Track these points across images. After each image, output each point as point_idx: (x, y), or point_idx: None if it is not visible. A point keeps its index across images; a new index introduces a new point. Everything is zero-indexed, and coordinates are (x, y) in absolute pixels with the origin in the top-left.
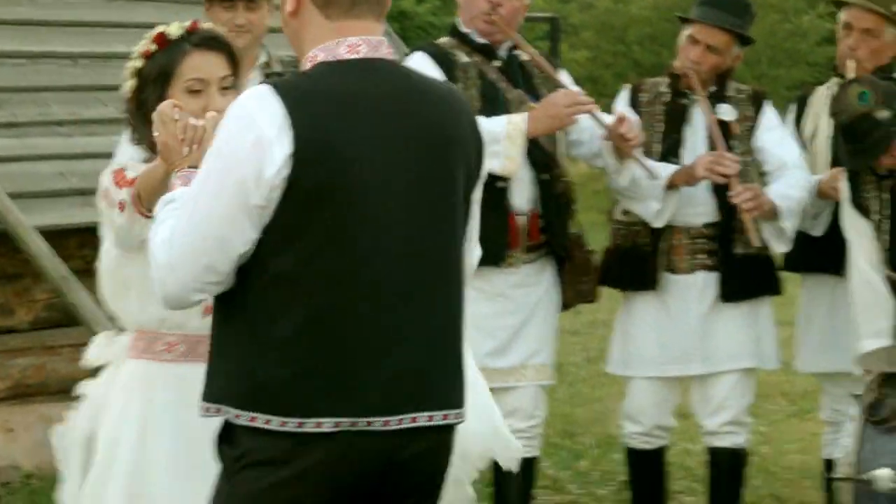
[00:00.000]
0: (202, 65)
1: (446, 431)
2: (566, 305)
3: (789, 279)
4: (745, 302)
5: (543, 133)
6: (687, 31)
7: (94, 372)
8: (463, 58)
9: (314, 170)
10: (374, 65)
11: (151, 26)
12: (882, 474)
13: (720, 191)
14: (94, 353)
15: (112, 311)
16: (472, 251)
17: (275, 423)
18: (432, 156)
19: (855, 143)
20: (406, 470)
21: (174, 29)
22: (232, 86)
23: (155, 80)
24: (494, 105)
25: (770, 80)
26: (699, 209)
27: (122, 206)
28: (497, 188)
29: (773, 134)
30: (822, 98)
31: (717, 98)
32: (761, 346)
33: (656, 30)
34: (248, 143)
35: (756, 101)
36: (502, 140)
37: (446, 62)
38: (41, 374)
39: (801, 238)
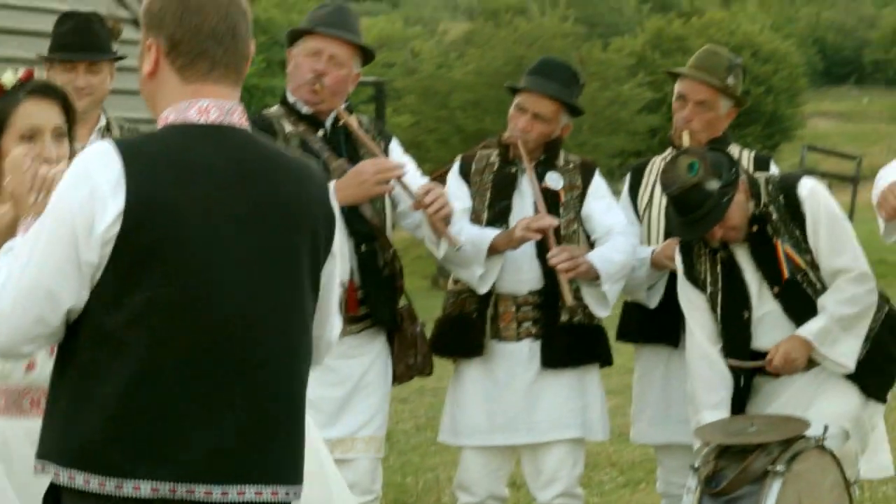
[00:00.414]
0: (35, 112)
1: None
2: (398, 378)
3: (621, 349)
4: (570, 371)
5: (350, 202)
6: (516, 100)
7: None
8: (288, 127)
9: (145, 229)
10: (222, 131)
11: None
12: None
13: (545, 258)
14: None
15: None
16: (331, 325)
17: (94, 483)
18: (273, 226)
19: (686, 214)
20: None
21: (7, 78)
22: (64, 135)
23: None
24: None
25: (591, 147)
26: (524, 276)
27: None
28: None
29: (601, 202)
30: (656, 169)
31: (545, 166)
32: (588, 416)
33: (479, 96)
34: (83, 196)
35: (585, 171)
36: None
37: (269, 132)
38: None
39: (636, 308)
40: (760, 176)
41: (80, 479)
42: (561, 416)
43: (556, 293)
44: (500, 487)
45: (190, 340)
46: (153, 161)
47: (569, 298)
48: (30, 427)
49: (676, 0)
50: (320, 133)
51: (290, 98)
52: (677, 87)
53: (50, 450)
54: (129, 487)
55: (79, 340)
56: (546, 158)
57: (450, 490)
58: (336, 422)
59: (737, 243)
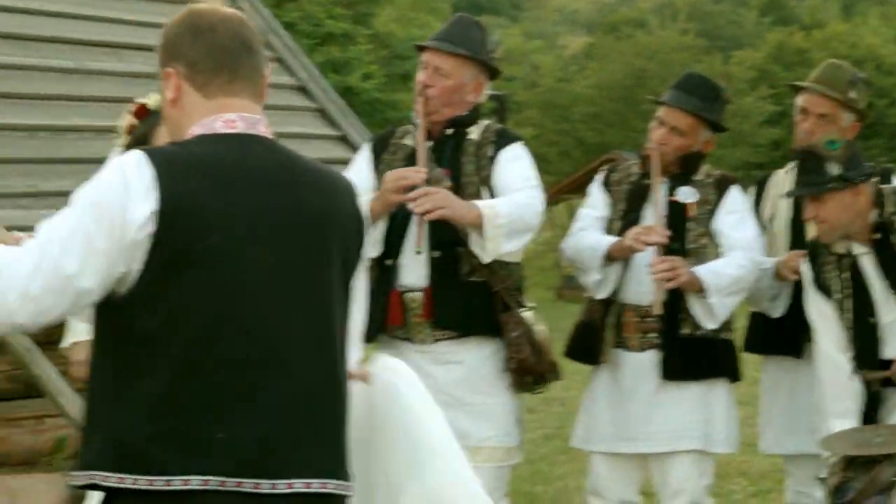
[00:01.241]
0: None
1: (323, 501)
2: (519, 386)
3: (751, 359)
4: (694, 383)
5: (382, 211)
6: (657, 114)
7: (57, 444)
8: (406, 140)
9: (177, 230)
10: (249, 140)
11: (108, 100)
12: None
13: None
14: None
15: None
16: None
17: (142, 482)
18: (305, 231)
19: (799, 173)
20: None
21: (153, 101)
22: None
23: (136, 146)
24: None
25: (714, 160)
26: (648, 287)
27: None
28: (384, 265)
29: (731, 217)
30: (780, 181)
31: (680, 180)
32: (709, 429)
33: (600, 108)
34: (117, 190)
35: (721, 186)
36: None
37: (383, 144)
38: (4, 446)
39: (761, 319)
40: (889, 188)
41: (128, 481)
42: (681, 427)
43: (678, 306)
44: (632, 494)
45: (228, 339)
46: (185, 167)
47: (657, 308)
48: None
49: (797, 13)
50: (429, 144)
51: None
52: (799, 100)
53: (94, 459)
54: (177, 483)
55: (115, 345)
56: (681, 172)
57: (580, 499)
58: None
59: (863, 250)
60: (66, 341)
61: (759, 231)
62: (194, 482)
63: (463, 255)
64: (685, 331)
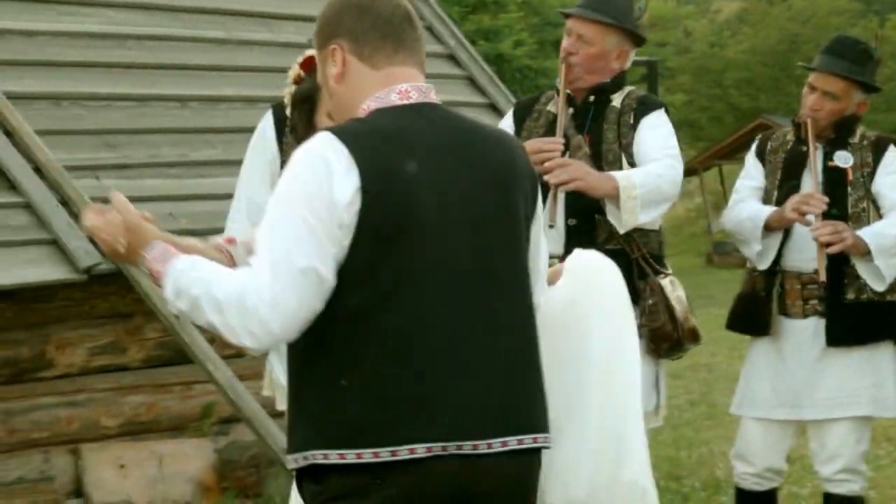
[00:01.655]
0: None
1: (534, 455)
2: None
3: None
4: (859, 348)
5: None
6: (808, 80)
7: (204, 411)
8: (549, 106)
9: (383, 204)
10: (427, 108)
11: (259, 70)
12: None
13: None
14: None
15: None
16: (540, 287)
17: (367, 455)
18: (494, 193)
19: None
20: (494, 495)
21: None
22: None
23: (302, 103)
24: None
25: (867, 124)
26: (810, 254)
27: None
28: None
29: (890, 178)
30: None
31: (835, 145)
32: (880, 393)
33: (753, 74)
34: (320, 174)
35: (878, 147)
36: None
37: (525, 111)
38: (153, 412)
39: None
40: None
41: (351, 456)
42: (847, 393)
43: (841, 271)
44: (780, 461)
45: (438, 308)
46: (374, 140)
47: (823, 274)
48: None
49: None
50: (570, 110)
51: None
52: None
53: (311, 439)
54: (404, 452)
55: (326, 324)
56: (837, 136)
57: (724, 464)
58: None
59: None
60: None
61: None
62: (419, 450)
63: (600, 223)
64: (850, 296)
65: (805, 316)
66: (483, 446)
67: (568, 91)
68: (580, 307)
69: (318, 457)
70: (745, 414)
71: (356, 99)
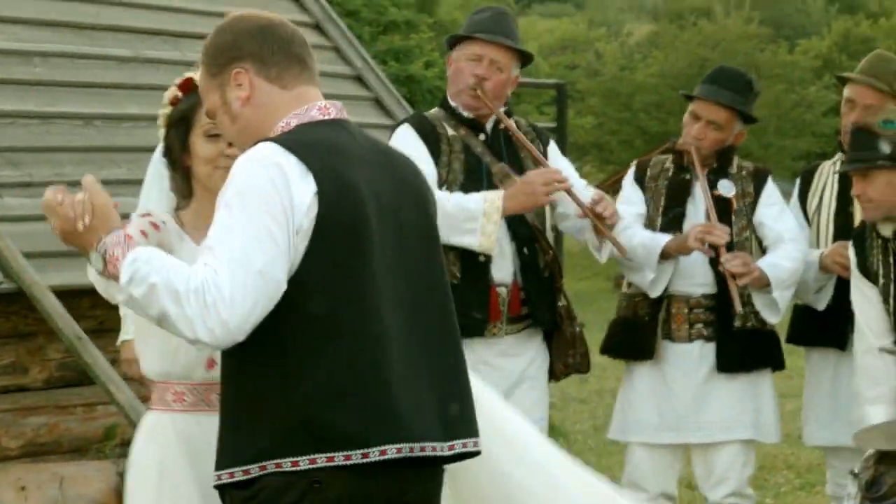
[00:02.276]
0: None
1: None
2: (555, 376)
3: (793, 351)
4: (744, 373)
5: (519, 211)
6: (690, 108)
7: (107, 432)
8: (450, 131)
9: (339, 208)
10: (344, 124)
11: (165, 88)
12: None
13: (717, 263)
14: None
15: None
16: None
17: (339, 458)
18: (416, 207)
19: (849, 149)
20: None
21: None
22: None
23: (177, 125)
24: (478, 178)
25: (776, 149)
26: (697, 280)
27: None
28: (478, 262)
29: (772, 209)
30: (826, 173)
31: (718, 174)
32: (760, 419)
33: (663, 97)
34: (276, 177)
35: (758, 178)
36: (479, 217)
37: (433, 135)
38: (55, 433)
39: (805, 312)
40: None
41: (321, 460)
42: (732, 417)
43: (729, 298)
44: (671, 485)
45: (394, 311)
46: (318, 149)
47: (738, 305)
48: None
49: (864, 1)
50: (482, 137)
51: (452, 102)
52: (847, 91)
53: (275, 445)
54: (375, 454)
55: (283, 328)
56: (719, 166)
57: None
58: None
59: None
60: (119, 339)
61: (799, 221)
62: (390, 451)
63: (539, 250)
64: (737, 323)
65: (690, 340)
66: (441, 448)
67: (472, 117)
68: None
69: (285, 464)
70: (631, 439)
71: (267, 119)
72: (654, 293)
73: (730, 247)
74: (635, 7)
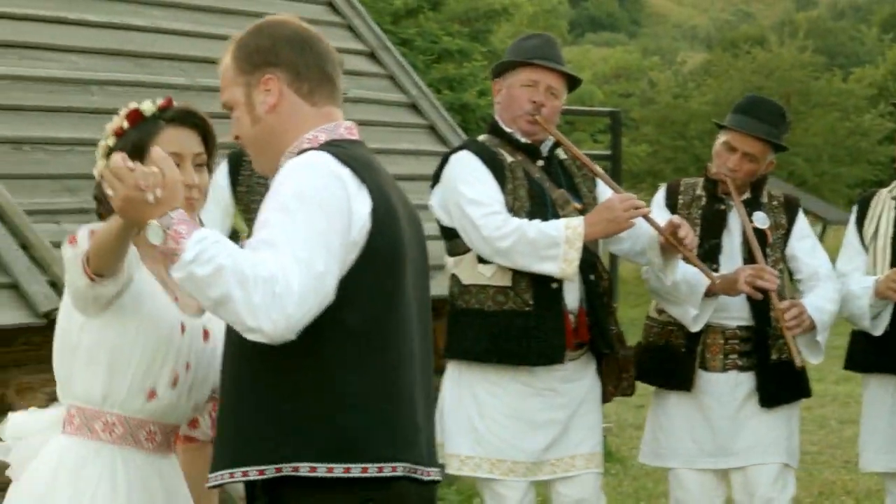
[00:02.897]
0: (176, 139)
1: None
2: (605, 399)
3: (852, 378)
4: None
5: (601, 236)
6: (723, 138)
7: None
8: (508, 157)
9: (386, 228)
10: (366, 147)
11: (220, 116)
12: None
13: (753, 297)
14: (13, 427)
15: (57, 376)
16: None
17: (355, 470)
18: (419, 237)
19: None
20: None
21: (147, 106)
22: (204, 163)
23: (131, 154)
24: (542, 205)
25: (831, 177)
26: (734, 313)
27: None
28: (551, 289)
29: (805, 243)
30: (883, 199)
31: (751, 205)
32: (791, 445)
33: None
34: (337, 189)
35: (789, 209)
36: (562, 244)
37: (495, 162)
38: None
39: (863, 337)
40: None
41: (338, 470)
42: (767, 442)
43: (765, 331)
44: None
45: (411, 335)
46: (363, 165)
47: (798, 358)
48: (145, 459)
49: None
50: (539, 163)
51: (506, 128)
52: None
53: (297, 450)
54: (387, 469)
55: (321, 337)
56: (752, 196)
57: None
58: (560, 442)
59: None
60: None
61: (857, 248)
62: (400, 469)
63: (599, 275)
64: (773, 356)
65: (724, 370)
66: (424, 472)
67: (528, 142)
68: None
69: (302, 469)
70: (670, 465)
71: (289, 131)
72: (696, 328)
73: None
74: (688, 36)
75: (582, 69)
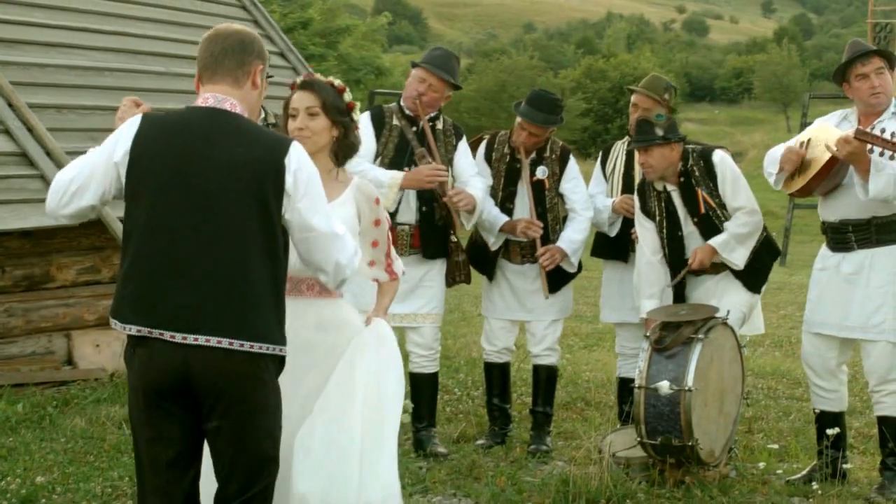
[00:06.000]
0: (296, 99)
1: (237, 356)
2: (448, 284)
3: (595, 262)
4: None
5: (412, 188)
6: (518, 120)
7: None
8: (395, 120)
9: (138, 162)
10: (210, 110)
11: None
12: (663, 385)
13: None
14: None
15: None
16: (336, 248)
17: (118, 327)
18: (214, 168)
19: (636, 134)
20: (201, 378)
21: (299, 79)
22: (318, 113)
23: (284, 109)
24: (403, 156)
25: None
26: (523, 241)
27: None
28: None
29: (570, 184)
30: (618, 149)
31: (537, 162)
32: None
33: (479, 104)
34: (118, 133)
35: (563, 159)
36: (385, 186)
37: (380, 121)
38: None
39: (603, 237)
40: (690, 147)
41: (114, 324)
42: (545, 306)
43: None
44: (510, 343)
45: (163, 234)
46: (154, 123)
47: (546, 290)
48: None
49: (599, 46)
50: (414, 129)
51: (402, 102)
52: (632, 98)
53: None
54: (133, 330)
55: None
56: (538, 156)
57: (478, 347)
58: (405, 301)
59: (673, 188)
60: None
61: (585, 188)
62: (143, 331)
63: (436, 207)
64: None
65: (523, 263)
66: (179, 337)
67: (411, 115)
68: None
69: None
70: (489, 316)
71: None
72: (493, 248)
73: (545, 212)
74: (457, 49)
75: (395, 69)
